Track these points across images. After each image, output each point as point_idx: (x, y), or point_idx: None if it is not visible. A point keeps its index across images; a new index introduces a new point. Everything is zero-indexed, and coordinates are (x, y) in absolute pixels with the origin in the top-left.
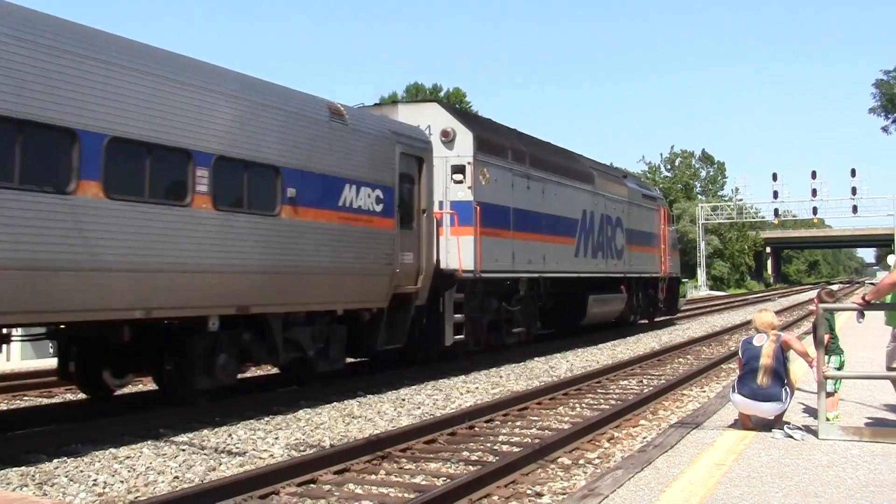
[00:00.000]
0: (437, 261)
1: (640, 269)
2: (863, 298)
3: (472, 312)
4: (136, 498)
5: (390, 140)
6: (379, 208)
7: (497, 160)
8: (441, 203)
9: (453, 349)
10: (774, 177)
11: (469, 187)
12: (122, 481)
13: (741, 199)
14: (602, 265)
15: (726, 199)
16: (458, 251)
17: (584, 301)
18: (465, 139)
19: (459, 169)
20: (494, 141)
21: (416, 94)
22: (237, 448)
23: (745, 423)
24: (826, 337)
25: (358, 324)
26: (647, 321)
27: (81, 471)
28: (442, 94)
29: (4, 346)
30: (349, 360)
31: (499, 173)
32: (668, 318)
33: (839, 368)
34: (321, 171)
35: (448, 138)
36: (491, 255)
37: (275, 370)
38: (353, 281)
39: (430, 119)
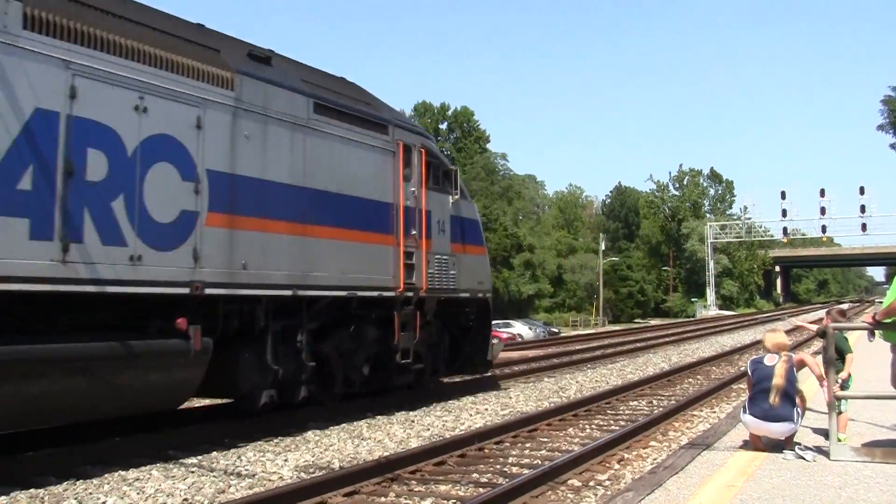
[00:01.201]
0: None
1: (286, 276)
2: (873, 317)
3: None
4: None
5: None
6: None
7: None
8: None
9: None
10: (783, 195)
11: None
12: (130, 503)
13: (750, 218)
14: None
15: (735, 217)
16: None
17: None
18: None
19: None
20: None
21: (424, 113)
22: (246, 470)
23: (756, 443)
24: (850, 357)
25: None
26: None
27: (90, 493)
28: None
29: None
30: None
31: None
32: (443, 378)
33: (845, 388)
34: None
35: None
36: None
37: None
38: None
39: None
